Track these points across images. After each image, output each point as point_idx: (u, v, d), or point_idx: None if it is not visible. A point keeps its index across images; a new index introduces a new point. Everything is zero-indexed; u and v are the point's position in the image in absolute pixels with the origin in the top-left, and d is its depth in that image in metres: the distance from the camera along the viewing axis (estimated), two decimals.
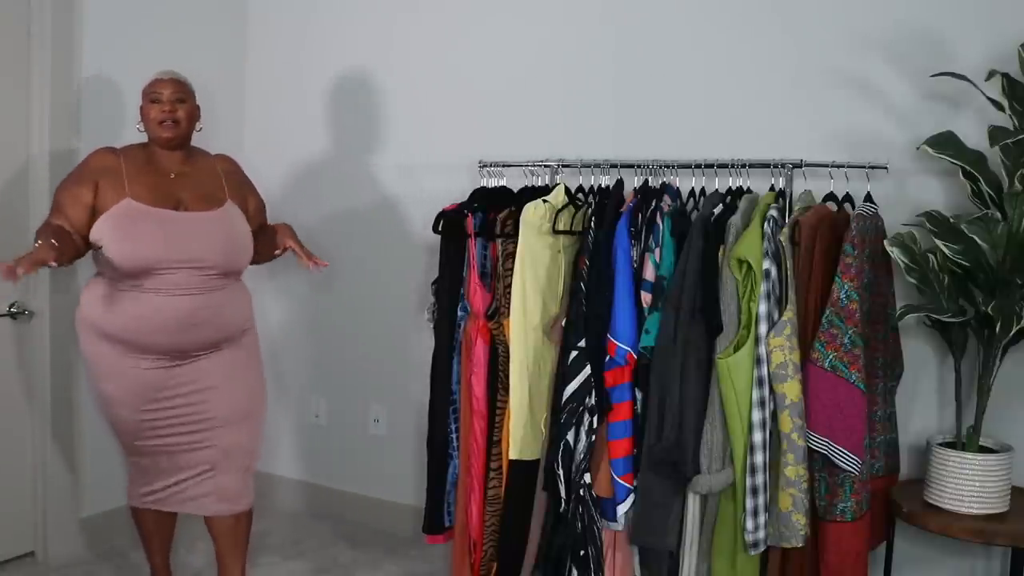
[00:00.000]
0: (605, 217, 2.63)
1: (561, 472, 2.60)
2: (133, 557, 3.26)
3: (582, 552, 2.61)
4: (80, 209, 2.51)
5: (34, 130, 3.08)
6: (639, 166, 2.77)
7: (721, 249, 2.44)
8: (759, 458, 2.33)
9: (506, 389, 2.74)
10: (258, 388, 2.77)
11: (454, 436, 2.91)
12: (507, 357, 2.72)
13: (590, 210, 2.72)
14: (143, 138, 2.68)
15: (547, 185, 2.94)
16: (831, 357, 2.28)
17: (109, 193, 2.52)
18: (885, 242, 2.31)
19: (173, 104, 2.60)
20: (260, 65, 3.81)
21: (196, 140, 2.73)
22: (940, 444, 2.39)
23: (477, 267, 2.81)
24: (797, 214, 2.43)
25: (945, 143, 2.31)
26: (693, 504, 2.49)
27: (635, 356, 2.53)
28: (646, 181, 2.73)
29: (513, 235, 2.73)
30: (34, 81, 3.06)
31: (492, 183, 3.03)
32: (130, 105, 3.32)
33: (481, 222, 2.84)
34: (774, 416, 2.35)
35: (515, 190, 2.98)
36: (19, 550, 3.17)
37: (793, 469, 2.32)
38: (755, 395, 2.34)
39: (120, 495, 3.36)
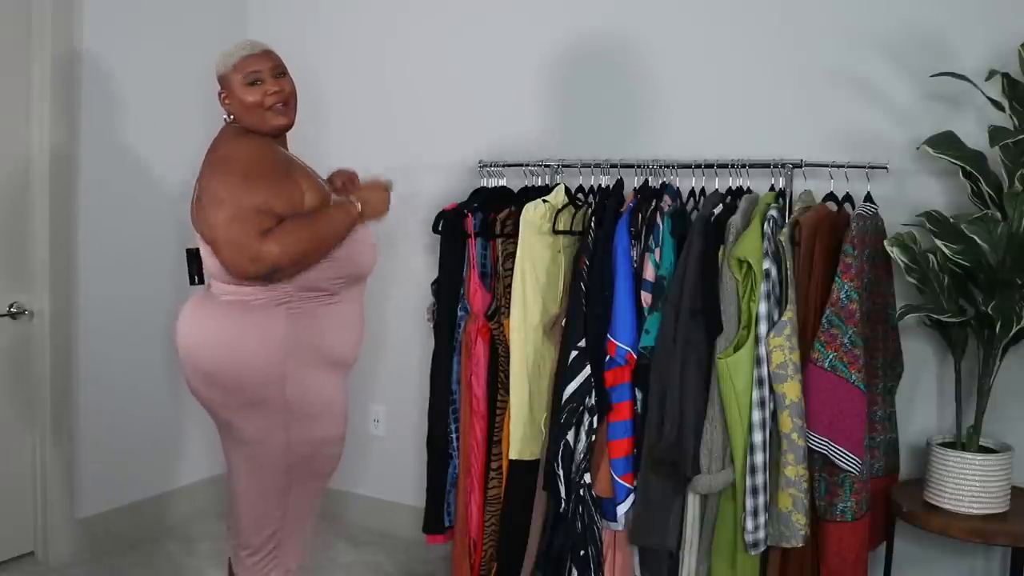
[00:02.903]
0: (605, 217, 2.63)
1: (561, 472, 2.60)
2: (132, 557, 3.26)
3: (582, 552, 2.61)
4: (299, 206, 2.09)
5: (34, 115, 3.07)
6: (639, 166, 2.77)
7: (721, 249, 2.44)
8: (759, 458, 2.33)
9: (506, 389, 2.74)
10: None
11: (454, 436, 2.91)
12: (507, 357, 2.72)
13: (590, 210, 2.73)
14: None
15: (547, 185, 2.94)
16: (831, 357, 2.28)
17: (311, 189, 2.15)
18: (885, 242, 2.31)
19: (278, 81, 2.17)
20: None
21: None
22: (940, 444, 2.39)
23: (477, 267, 2.81)
24: (797, 214, 2.43)
25: (945, 143, 2.31)
26: (693, 504, 2.49)
27: (635, 356, 2.53)
28: (646, 181, 2.73)
29: (513, 235, 2.73)
30: (35, 68, 3.05)
31: (492, 183, 3.04)
32: (130, 90, 3.33)
33: (481, 222, 2.84)
34: (774, 416, 2.35)
35: (515, 190, 2.98)
36: (19, 550, 3.16)
37: (793, 469, 2.32)
38: (755, 395, 2.34)
39: (118, 495, 3.38)
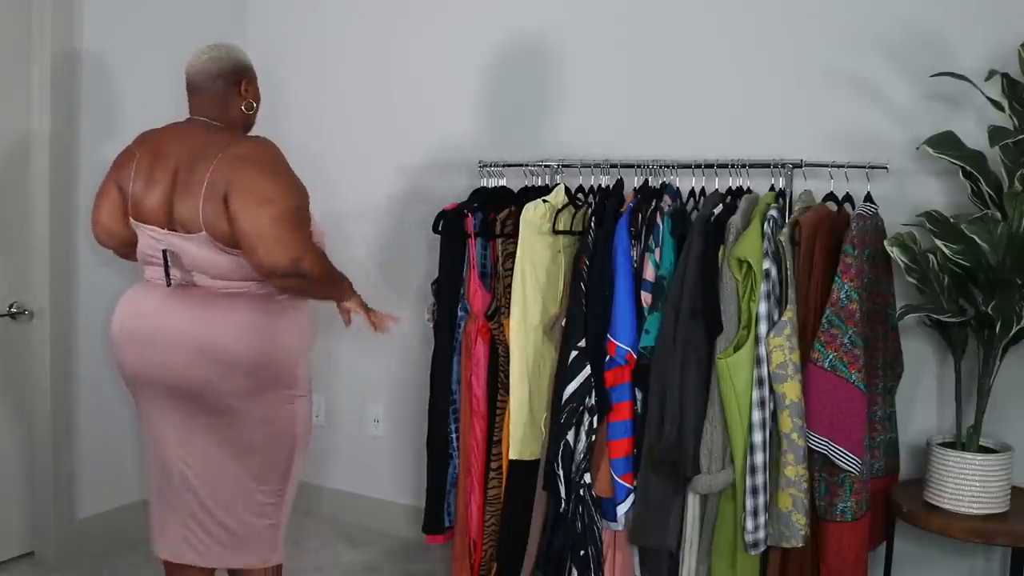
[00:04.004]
0: (605, 217, 2.63)
1: (561, 472, 2.60)
2: (132, 557, 3.26)
3: (582, 552, 2.61)
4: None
5: (34, 115, 3.07)
6: (639, 166, 2.77)
7: (721, 249, 2.44)
8: (759, 458, 2.33)
9: (506, 389, 2.74)
10: None
11: (454, 436, 2.91)
12: (507, 357, 2.72)
13: (590, 210, 2.73)
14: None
15: (547, 185, 2.94)
16: (831, 357, 2.28)
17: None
18: (885, 242, 2.31)
19: None
20: (260, 64, 3.80)
21: None
22: (940, 444, 2.39)
23: (477, 267, 2.81)
24: (797, 214, 2.43)
25: (945, 143, 2.31)
26: (693, 504, 2.49)
27: (635, 356, 2.53)
28: (646, 181, 2.73)
29: (513, 235, 2.73)
30: (35, 68, 3.05)
31: (492, 183, 3.04)
32: (130, 90, 3.33)
33: (481, 222, 2.84)
34: (774, 416, 2.35)
35: (515, 190, 2.98)
36: (19, 550, 3.17)
37: (793, 469, 2.32)
38: (755, 395, 2.34)
39: (118, 495, 3.38)
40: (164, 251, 2.21)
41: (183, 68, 2.43)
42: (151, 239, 2.23)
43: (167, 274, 2.23)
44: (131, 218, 2.26)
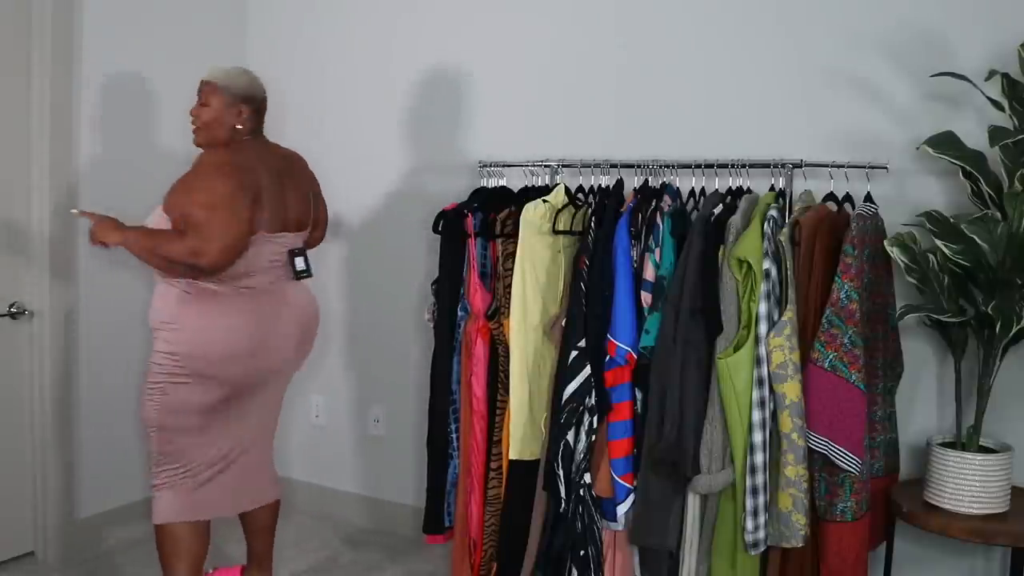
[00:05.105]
0: (605, 217, 2.63)
1: (561, 472, 2.60)
2: (131, 557, 3.26)
3: (582, 552, 2.61)
4: None
5: (34, 116, 3.07)
6: (639, 166, 2.77)
7: (721, 249, 2.44)
8: (759, 458, 2.33)
9: (506, 389, 2.74)
10: (144, 394, 2.55)
11: (454, 436, 2.91)
12: (507, 357, 2.72)
13: (590, 210, 2.73)
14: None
15: (547, 185, 2.94)
16: (831, 357, 2.28)
17: None
18: (885, 242, 2.31)
19: (198, 106, 2.58)
20: (260, 64, 3.80)
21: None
22: (940, 444, 2.39)
23: (477, 267, 2.81)
24: (797, 214, 2.43)
25: (945, 143, 2.31)
26: (693, 504, 2.49)
27: (635, 356, 2.53)
28: (646, 181, 2.73)
29: (513, 235, 2.73)
30: (34, 71, 3.06)
31: (492, 183, 3.04)
32: (130, 91, 3.34)
33: (481, 222, 2.84)
34: (774, 416, 2.35)
35: (515, 190, 2.98)
36: (19, 550, 3.17)
37: (793, 469, 2.32)
38: (755, 395, 2.34)
39: (118, 495, 3.38)
40: (293, 250, 2.63)
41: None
42: (278, 245, 2.59)
43: (296, 269, 2.64)
44: (264, 232, 2.52)
